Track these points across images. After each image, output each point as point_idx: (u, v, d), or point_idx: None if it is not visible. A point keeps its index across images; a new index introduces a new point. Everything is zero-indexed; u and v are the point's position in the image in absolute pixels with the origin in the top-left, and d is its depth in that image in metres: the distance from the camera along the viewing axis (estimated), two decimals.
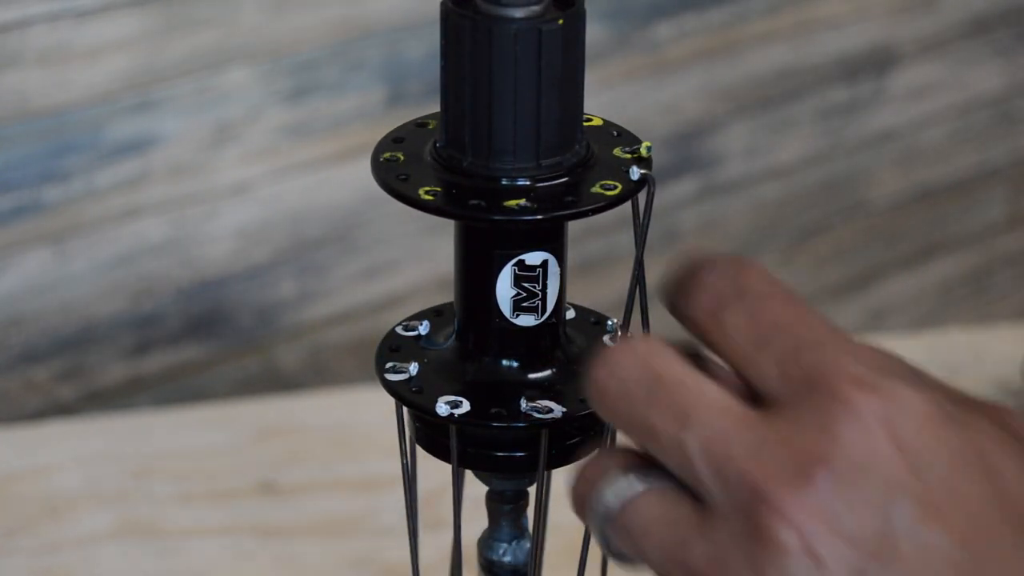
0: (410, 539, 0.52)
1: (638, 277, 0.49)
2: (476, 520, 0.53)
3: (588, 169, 0.47)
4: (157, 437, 0.96)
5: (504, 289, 0.49)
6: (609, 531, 0.40)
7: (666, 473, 0.39)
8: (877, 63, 1.41)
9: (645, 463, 0.40)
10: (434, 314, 0.52)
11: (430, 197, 0.46)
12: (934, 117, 1.47)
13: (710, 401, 0.38)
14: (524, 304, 0.49)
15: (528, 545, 0.54)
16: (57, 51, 1.02)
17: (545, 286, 0.49)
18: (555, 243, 0.48)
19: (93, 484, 0.92)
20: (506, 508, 0.53)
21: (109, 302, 1.10)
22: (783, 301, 0.40)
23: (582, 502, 0.41)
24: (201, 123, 1.09)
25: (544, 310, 0.49)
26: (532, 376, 0.50)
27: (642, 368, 0.39)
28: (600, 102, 1.23)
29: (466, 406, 0.49)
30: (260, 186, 1.13)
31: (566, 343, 0.51)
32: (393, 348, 0.51)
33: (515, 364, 0.50)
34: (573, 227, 0.49)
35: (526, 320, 0.49)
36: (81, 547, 0.87)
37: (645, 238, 0.48)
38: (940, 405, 0.37)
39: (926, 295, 1.58)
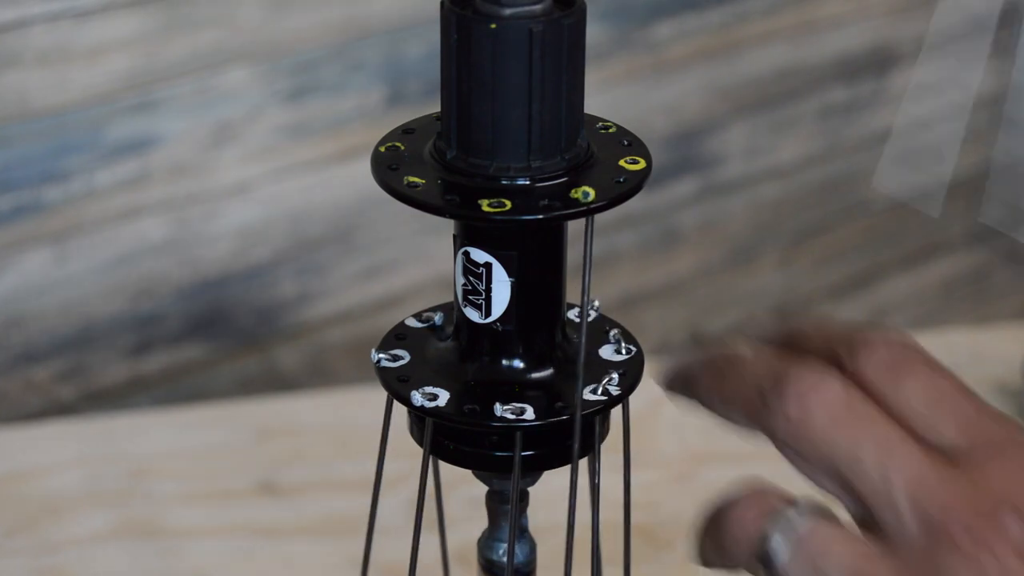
0: (413, 539, 0.52)
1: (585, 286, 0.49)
2: (476, 520, 0.53)
3: (588, 169, 0.47)
4: (157, 437, 0.96)
5: (458, 275, 0.49)
6: (790, 562, 0.44)
7: (820, 508, 0.44)
8: (877, 63, 1.41)
9: (792, 500, 0.45)
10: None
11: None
12: (934, 117, 1.47)
13: (908, 443, 0.44)
14: (470, 297, 0.49)
15: (528, 545, 0.54)
16: (57, 51, 1.02)
17: (489, 288, 0.48)
18: (504, 251, 0.48)
19: (93, 484, 0.92)
20: (506, 508, 0.53)
21: (109, 302, 1.10)
22: (951, 376, 0.46)
23: (747, 537, 0.44)
24: (201, 123, 1.09)
25: (488, 312, 0.49)
26: (509, 376, 0.50)
27: (848, 400, 0.44)
28: (600, 102, 1.23)
29: (443, 400, 0.49)
30: (260, 186, 1.13)
31: (563, 344, 0.50)
32: (400, 336, 0.52)
33: (502, 363, 0.50)
34: (573, 226, 0.49)
35: (472, 315, 0.49)
36: (81, 547, 0.87)
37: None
38: None
39: (926, 295, 1.58)
